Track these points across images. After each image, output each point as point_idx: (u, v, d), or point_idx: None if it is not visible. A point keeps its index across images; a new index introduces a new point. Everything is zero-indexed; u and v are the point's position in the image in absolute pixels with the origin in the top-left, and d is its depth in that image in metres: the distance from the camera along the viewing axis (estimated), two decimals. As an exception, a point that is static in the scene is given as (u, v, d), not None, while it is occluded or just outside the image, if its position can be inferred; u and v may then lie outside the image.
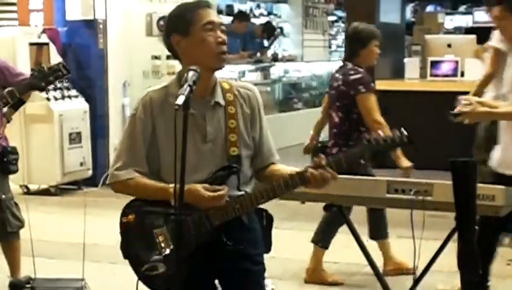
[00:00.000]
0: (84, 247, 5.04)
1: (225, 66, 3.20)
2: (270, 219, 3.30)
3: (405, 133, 2.98)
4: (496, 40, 5.92)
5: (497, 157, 4.13)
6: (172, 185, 3.00)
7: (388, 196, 4.00)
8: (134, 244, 3.22)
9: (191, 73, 3.06)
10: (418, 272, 4.07)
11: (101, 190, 9.22)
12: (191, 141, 3.10)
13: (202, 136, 3.16)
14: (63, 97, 9.14)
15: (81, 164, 9.28)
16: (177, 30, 3.17)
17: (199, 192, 3.08)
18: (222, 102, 3.19)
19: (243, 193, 3.15)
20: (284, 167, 3.25)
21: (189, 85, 3.03)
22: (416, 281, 4.14)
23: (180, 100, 2.97)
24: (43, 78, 4.31)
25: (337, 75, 5.77)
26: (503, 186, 3.71)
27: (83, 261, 4.86)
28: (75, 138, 9.22)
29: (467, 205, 2.83)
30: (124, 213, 3.27)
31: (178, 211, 2.91)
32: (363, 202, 4.10)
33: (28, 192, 9.11)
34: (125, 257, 3.27)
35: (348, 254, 5.57)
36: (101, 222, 7.58)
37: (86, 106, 9.38)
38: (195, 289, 3.20)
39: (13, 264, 5.48)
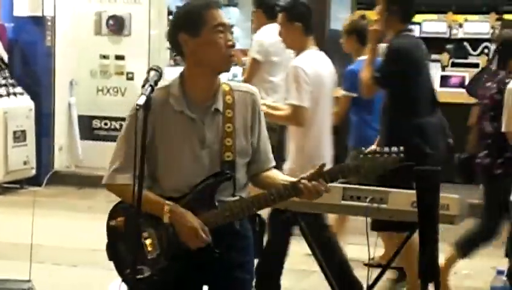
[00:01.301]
0: (32, 247, 4.93)
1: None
2: (262, 225, 3.24)
3: (400, 151, 2.89)
4: None
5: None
6: (169, 203, 3.01)
7: (343, 202, 4.00)
8: (121, 247, 3.15)
9: (152, 73, 3.02)
10: (371, 280, 4.07)
11: (45, 190, 9.08)
12: (188, 146, 3.07)
13: (200, 142, 3.08)
14: (8, 94, 8.99)
15: (25, 163, 9.13)
16: (186, 29, 3.07)
17: (192, 223, 3.01)
18: (221, 108, 3.11)
19: (236, 199, 3.08)
20: (278, 175, 3.20)
21: (151, 85, 2.99)
22: (369, 288, 4.14)
23: (141, 100, 2.92)
24: None
25: (488, 84, 5.60)
26: (457, 196, 3.73)
27: (30, 262, 4.75)
28: (19, 136, 9.07)
29: (429, 213, 2.84)
30: (112, 216, 3.20)
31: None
32: (318, 208, 4.08)
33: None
34: (110, 258, 3.21)
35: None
36: (45, 222, 7.45)
37: (31, 103, 9.23)
38: None
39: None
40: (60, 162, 9.70)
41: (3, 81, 8.90)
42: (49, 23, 9.39)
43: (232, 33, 3.11)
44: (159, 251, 3.06)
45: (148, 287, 3.08)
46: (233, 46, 3.08)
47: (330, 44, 9.40)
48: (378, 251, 3.93)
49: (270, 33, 6.92)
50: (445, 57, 11.39)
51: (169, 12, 11.40)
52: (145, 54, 9.49)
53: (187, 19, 3.09)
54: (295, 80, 4.89)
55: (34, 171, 9.26)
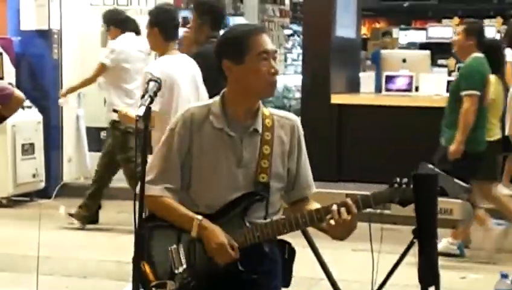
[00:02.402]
0: (38, 260, 4.96)
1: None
2: (292, 252, 3.23)
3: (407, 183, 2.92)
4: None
5: None
6: (199, 217, 3.03)
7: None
8: (147, 259, 3.13)
9: (151, 84, 3.06)
10: (375, 286, 4.06)
11: (54, 202, 9.11)
12: (224, 163, 3.09)
13: (237, 160, 3.09)
14: (16, 108, 9.00)
15: (34, 176, 9.16)
16: (229, 56, 3.07)
17: (221, 239, 3.02)
18: (260, 129, 3.12)
19: (267, 221, 3.08)
20: (316, 205, 3.17)
21: (150, 96, 3.03)
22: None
23: (141, 111, 2.97)
24: None
25: None
26: (460, 201, 3.74)
27: (37, 274, 4.78)
28: (28, 149, 9.10)
29: (428, 218, 2.85)
30: (140, 227, 3.22)
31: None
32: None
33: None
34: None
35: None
36: (54, 234, 7.50)
37: (39, 116, 9.27)
38: None
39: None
40: (69, 174, 9.74)
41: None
42: (55, 36, 9.44)
43: (275, 59, 3.09)
44: (186, 266, 3.06)
45: None
46: (276, 73, 3.07)
47: (336, 50, 9.47)
48: (382, 257, 3.91)
49: (124, 41, 7.67)
50: (451, 62, 11.43)
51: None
52: (151, 65, 9.52)
53: (231, 45, 3.08)
54: (143, 85, 4.98)
55: (43, 184, 9.30)
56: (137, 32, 7.83)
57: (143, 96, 3.03)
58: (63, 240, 7.20)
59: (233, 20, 14.30)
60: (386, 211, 3.94)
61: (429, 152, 8.75)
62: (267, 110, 3.17)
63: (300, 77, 10.24)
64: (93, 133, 9.82)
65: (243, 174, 3.08)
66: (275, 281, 3.18)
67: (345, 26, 9.82)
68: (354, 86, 9.92)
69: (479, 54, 6.59)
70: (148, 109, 3.00)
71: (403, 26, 15.03)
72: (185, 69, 5.34)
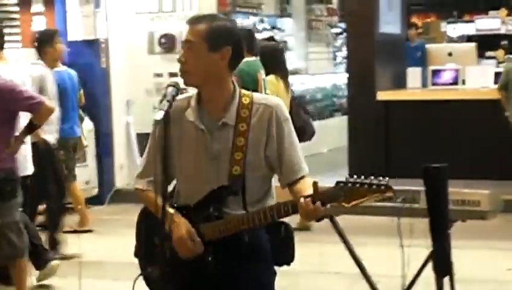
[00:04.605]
0: (83, 265, 5.09)
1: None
2: (288, 232, 3.22)
3: (384, 182, 2.81)
4: None
5: None
6: (171, 211, 3.11)
7: (375, 203, 4.01)
8: (140, 248, 3.34)
9: (170, 89, 3.11)
10: (407, 280, 4.08)
11: (108, 208, 9.29)
12: (195, 157, 3.13)
13: (208, 154, 3.12)
14: (67, 117, 9.20)
15: (87, 183, 9.33)
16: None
17: (180, 233, 3.10)
18: (231, 122, 3.12)
19: (242, 212, 3.11)
20: (304, 188, 3.08)
21: (168, 100, 3.09)
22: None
23: (159, 116, 3.03)
24: None
25: None
26: (488, 191, 3.73)
27: (79, 278, 4.91)
28: (80, 156, 9.27)
29: (439, 209, 2.86)
30: (138, 218, 3.35)
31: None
32: (349, 210, 4.10)
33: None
34: (135, 256, 3.38)
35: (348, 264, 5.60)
36: (107, 239, 7.65)
37: (90, 125, 9.45)
38: None
39: (16, 285, 5.55)
40: (121, 180, 9.90)
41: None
42: (103, 46, 9.62)
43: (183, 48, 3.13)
44: (167, 257, 3.12)
45: (160, 287, 3.21)
46: (179, 61, 3.12)
47: (381, 47, 9.46)
48: (413, 250, 3.93)
49: None
50: (500, 53, 11.30)
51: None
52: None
53: None
54: None
55: (96, 190, 9.48)
56: None
57: (161, 101, 3.11)
58: (117, 245, 7.33)
59: (281, 22, 14.36)
60: (415, 205, 3.96)
61: (477, 145, 8.73)
62: (247, 98, 3.16)
63: (348, 75, 10.25)
64: (143, 139, 9.95)
65: (215, 168, 3.10)
66: (257, 268, 3.19)
67: (390, 22, 9.80)
68: (400, 82, 9.89)
69: None
70: (167, 113, 3.07)
71: (450, 19, 14.89)
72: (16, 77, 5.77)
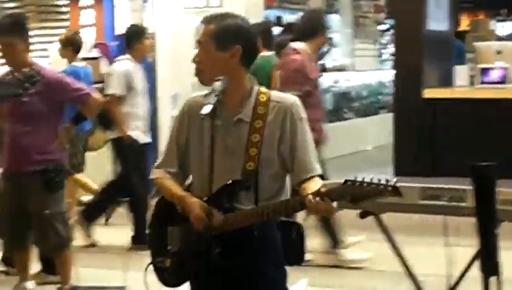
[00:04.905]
0: (128, 257, 5.13)
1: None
2: (299, 231, 3.26)
3: (392, 183, 2.81)
4: None
5: None
6: (183, 194, 3.19)
7: (422, 202, 3.99)
8: (152, 239, 3.39)
9: (217, 83, 3.16)
10: (453, 280, 4.04)
11: (151, 202, 9.32)
12: (209, 152, 3.19)
13: (224, 149, 3.17)
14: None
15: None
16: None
17: (194, 207, 3.15)
18: (247, 118, 3.18)
19: (252, 207, 3.15)
20: (315, 186, 3.09)
21: (216, 95, 3.13)
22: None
23: (207, 109, 3.09)
24: (19, 85, 4.33)
25: None
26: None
27: (123, 270, 4.95)
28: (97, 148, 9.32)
29: (486, 209, 2.82)
30: (154, 209, 3.42)
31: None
32: (396, 208, 4.09)
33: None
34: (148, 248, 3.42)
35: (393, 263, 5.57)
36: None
37: (136, 118, 9.49)
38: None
39: (61, 275, 5.62)
40: (166, 174, 9.92)
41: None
42: (150, 39, 9.66)
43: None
44: (179, 245, 3.23)
45: (170, 278, 3.29)
46: (195, 61, 3.22)
47: (428, 44, 9.37)
48: (459, 250, 3.90)
49: None
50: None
51: (268, 23, 11.54)
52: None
53: None
54: None
55: (141, 184, 9.52)
56: None
57: (206, 95, 3.15)
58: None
59: (329, 18, 14.33)
60: (462, 204, 3.92)
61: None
62: (265, 95, 3.21)
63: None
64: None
65: (230, 163, 3.14)
66: (266, 264, 3.22)
67: (438, 20, 9.70)
68: (447, 80, 9.78)
69: None
70: (214, 108, 3.11)
71: (499, 17, 14.69)
72: None
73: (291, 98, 3.27)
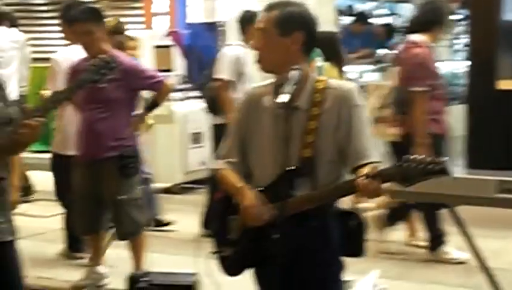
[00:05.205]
0: (199, 244, 5.17)
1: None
2: (357, 222, 3.28)
3: (441, 164, 2.81)
4: None
5: None
6: (241, 185, 3.22)
7: (498, 195, 3.94)
8: (214, 224, 3.49)
9: (293, 72, 3.16)
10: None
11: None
12: (268, 141, 3.22)
13: (281, 137, 3.16)
14: (186, 98, 9.36)
15: (202, 164, 9.47)
16: None
17: (247, 202, 3.18)
18: (304, 106, 3.19)
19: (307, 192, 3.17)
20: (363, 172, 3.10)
21: (295, 84, 3.14)
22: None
23: (284, 98, 3.10)
24: (96, 72, 4.42)
25: None
26: None
27: (196, 257, 4.98)
28: (196, 138, 9.42)
29: None
30: (217, 199, 3.48)
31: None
32: (471, 201, 4.05)
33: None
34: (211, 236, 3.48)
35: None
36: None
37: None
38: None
39: (134, 260, 5.70)
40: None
41: (182, 86, 9.30)
42: (221, 28, 9.70)
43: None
44: (238, 234, 3.27)
45: (231, 266, 3.35)
46: (255, 49, 3.24)
47: (503, 34, 9.20)
48: None
49: None
50: None
51: (340, 12, 11.50)
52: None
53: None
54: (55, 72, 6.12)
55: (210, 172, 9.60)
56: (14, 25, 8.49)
57: (280, 85, 3.15)
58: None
59: (401, 7, 14.18)
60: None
61: None
62: (322, 83, 3.23)
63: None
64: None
65: (287, 150, 3.12)
66: (322, 253, 3.23)
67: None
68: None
69: None
70: (292, 97, 3.11)
71: None
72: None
73: (348, 84, 3.31)
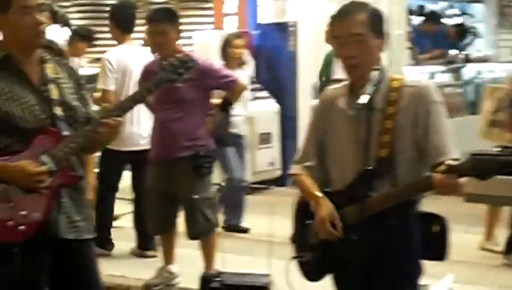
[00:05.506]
0: (272, 245, 5.17)
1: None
2: (442, 225, 3.21)
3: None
4: None
5: None
6: (319, 194, 3.21)
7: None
8: (295, 234, 3.44)
9: (374, 72, 3.12)
10: None
11: (289, 190, 9.35)
12: (345, 142, 3.19)
13: (357, 138, 3.14)
14: (255, 98, 9.36)
15: (271, 164, 9.46)
16: None
17: (322, 214, 3.17)
18: (380, 105, 3.14)
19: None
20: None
21: (375, 85, 3.09)
22: None
23: (364, 99, 3.05)
24: (173, 71, 4.40)
25: None
26: None
27: (269, 258, 4.98)
28: (265, 138, 9.41)
29: None
30: (296, 204, 3.43)
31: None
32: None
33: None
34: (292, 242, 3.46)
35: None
36: (288, 221, 7.71)
37: (276, 107, 9.56)
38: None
39: (205, 259, 5.71)
40: (304, 163, 9.93)
41: (251, 86, 9.28)
42: (292, 29, 9.67)
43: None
44: (318, 239, 3.24)
45: (311, 271, 3.33)
46: (351, 57, 3.17)
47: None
48: None
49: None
50: None
51: (410, 12, 11.37)
52: (385, 54, 9.50)
53: None
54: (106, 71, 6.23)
55: (279, 172, 9.58)
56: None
57: (360, 86, 3.11)
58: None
59: (471, 7, 13.96)
60: None
61: None
62: (397, 82, 3.17)
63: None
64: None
65: (363, 151, 3.08)
66: (402, 254, 3.17)
67: None
68: None
69: None
70: (372, 98, 3.07)
71: None
72: (138, 58, 5.99)
73: (424, 81, 3.27)
